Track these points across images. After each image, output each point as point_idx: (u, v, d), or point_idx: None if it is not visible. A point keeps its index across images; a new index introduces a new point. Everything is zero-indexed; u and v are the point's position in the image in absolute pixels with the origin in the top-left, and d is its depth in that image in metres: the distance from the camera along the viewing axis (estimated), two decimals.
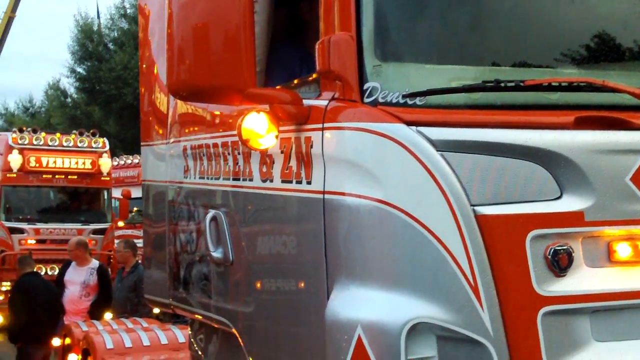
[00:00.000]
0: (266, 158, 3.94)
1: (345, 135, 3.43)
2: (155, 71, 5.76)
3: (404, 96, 3.38)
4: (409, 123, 3.30)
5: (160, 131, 5.66)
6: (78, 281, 11.87)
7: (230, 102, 3.70)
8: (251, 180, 4.11)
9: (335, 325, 3.31)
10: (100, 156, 20.47)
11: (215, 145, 4.59)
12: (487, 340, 3.17)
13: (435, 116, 3.34)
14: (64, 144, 20.16)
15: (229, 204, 4.43)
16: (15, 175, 19.73)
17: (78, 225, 20.13)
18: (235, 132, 3.72)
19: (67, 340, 9.57)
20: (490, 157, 3.29)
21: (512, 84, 3.38)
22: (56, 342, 10.45)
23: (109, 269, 18.31)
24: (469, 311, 3.18)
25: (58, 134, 20.76)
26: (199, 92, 3.66)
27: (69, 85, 45.68)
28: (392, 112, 3.34)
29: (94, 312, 11.49)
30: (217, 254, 4.42)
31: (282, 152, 3.79)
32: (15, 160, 19.62)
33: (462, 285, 3.19)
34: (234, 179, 4.33)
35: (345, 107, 3.47)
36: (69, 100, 46.51)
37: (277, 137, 3.61)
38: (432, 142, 3.26)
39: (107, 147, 20.82)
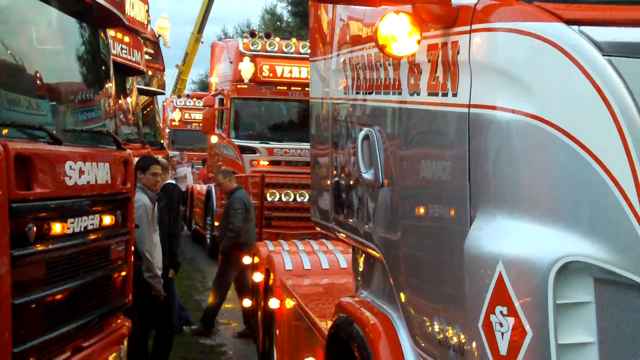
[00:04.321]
0: (414, 68, 3.50)
1: (494, 38, 2.93)
2: None
3: None
4: (569, 22, 2.74)
5: (323, 47, 5.34)
6: None
7: (370, 3, 3.29)
8: (400, 94, 3.69)
9: (474, 258, 2.88)
10: None
11: (369, 57, 4.20)
12: None
13: (603, 13, 2.75)
14: (301, 50, 17.14)
15: (379, 121, 4.05)
16: (246, 86, 17.22)
17: None
18: None
19: (256, 260, 9.68)
20: None
21: None
22: (247, 260, 10.65)
23: None
24: (636, 251, 2.63)
25: (294, 40, 17.85)
26: None
27: (281, 9, 46.69)
28: (550, 9, 2.79)
29: None
30: (368, 175, 4.08)
31: (429, 61, 3.33)
32: (246, 69, 16.97)
33: (628, 219, 2.64)
34: (385, 93, 3.93)
35: (496, 4, 2.96)
36: (283, 24, 47.49)
37: (419, 42, 3.16)
38: (597, 45, 2.69)
39: None
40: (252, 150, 17.03)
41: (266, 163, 16.86)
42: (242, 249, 10.84)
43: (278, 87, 17.39)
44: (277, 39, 17.77)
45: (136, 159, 9.21)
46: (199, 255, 19.27)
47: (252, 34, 17.93)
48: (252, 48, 17.28)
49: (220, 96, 18.28)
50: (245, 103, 17.71)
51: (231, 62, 17.76)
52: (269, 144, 17.17)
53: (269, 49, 17.35)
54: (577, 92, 2.71)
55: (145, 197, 7.93)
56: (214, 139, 18.51)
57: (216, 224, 17.09)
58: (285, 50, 17.36)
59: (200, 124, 30.21)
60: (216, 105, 18.17)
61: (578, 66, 2.69)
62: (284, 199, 16.38)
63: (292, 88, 17.33)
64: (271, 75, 17.27)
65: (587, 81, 2.68)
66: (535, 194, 2.81)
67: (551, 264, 2.64)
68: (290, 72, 17.29)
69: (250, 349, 10.29)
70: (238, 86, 17.35)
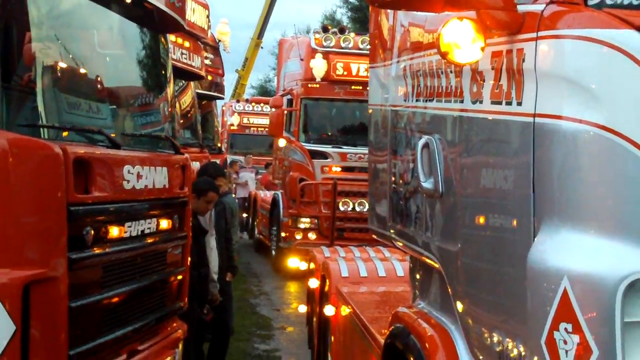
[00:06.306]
0: (477, 76, 3.42)
1: (561, 45, 2.83)
2: None
3: None
4: None
5: (383, 54, 5.27)
6: None
7: (432, 9, 3.21)
8: (461, 101, 3.60)
9: (538, 273, 2.78)
10: None
11: (430, 64, 4.11)
12: None
13: None
14: None
15: (440, 129, 3.96)
16: (318, 85, 15.83)
17: None
18: None
19: (312, 265, 9.65)
20: None
21: None
22: (303, 266, 10.62)
23: None
24: None
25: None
26: None
27: (341, 15, 46.77)
28: (621, 15, 2.69)
29: None
30: (427, 184, 3.99)
31: (492, 69, 3.24)
32: (318, 66, 15.59)
33: None
34: (446, 101, 3.85)
35: (564, 11, 2.86)
36: None
37: (483, 49, 3.07)
38: None
39: None
40: (324, 155, 15.75)
41: (338, 169, 15.63)
42: None
43: (352, 87, 15.83)
44: (352, 34, 16.31)
45: (196, 163, 9.28)
46: (255, 259, 19.26)
47: (325, 29, 16.47)
48: (324, 44, 15.92)
49: (288, 96, 17.05)
50: (316, 104, 16.27)
51: (302, 60, 16.44)
52: (341, 148, 15.79)
53: (343, 45, 15.95)
54: None
55: None
56: (281, 143, 17.16)
57: (283, 234, 16.15)
58: (361, 47, 15.66)
59: (259, 129, 30.48)
60: (284, 106, 16.94)
61: None
62: (357, 208, 15.19)
63: (368, 88, 15.50)
64: (345, 73, 15.90)
65: None
66: (602, 208, 2.70)
67: (619, 280, 2.53)
68: (367, 70, 15.36)
69: (304, 354, 10.25)
70: (309, 85, 16.02)
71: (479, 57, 3.09)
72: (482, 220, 3.41)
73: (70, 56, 5.29)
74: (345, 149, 15.69)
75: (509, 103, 3.10)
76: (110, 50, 6.22)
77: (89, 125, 5.23)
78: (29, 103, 4.76)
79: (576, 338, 2.60)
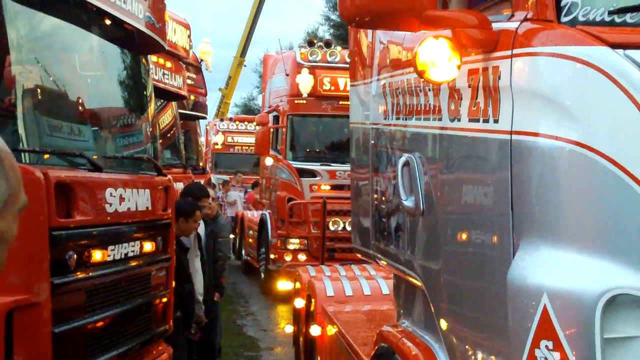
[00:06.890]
0: (454, 94, 3.43)
1: (536, 63, 2.84)
2: None
3: (610, 12, 2.74)
4: (614, 45, 2.65)
5: (363, 71, 5.29)
6: None
7: (408, 28, 3.23)
8: (440, 119, 3.62)
9: (518, 290, 2.78)
10: None
11: (409, 81, 4.14)
12: None
13: None
14: None
15: (419, 147, 3.98)
16: (304, 101, 15.27)
17: None
18: None
19: (298, 285, 9.62)
20: None
21: None
22: (288, 286, 10.57)
23: None
24: None
25: None
26: (374, 17, 3.23)
27: (323, 32, 46.91)
28: (594, 32, 2.71)
29: None
30: (408, 202, 4.00)
31: (469, 86, 3.26)
32: (305, 82, 15.05)
33: None
34: (425, 119, 3.86)
35: (538, 28, 2.88)
36: None
37: (459, 67, 3.09)
38: None
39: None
40: (312, 174, 15.14)
41: (328, 188, 15.03)
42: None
43: (340, 102, 14.89)
44: (339, 48, 15.76)
45: (179, 184, 9.24)
46: (243, 281, 19.14)
47: (311, 43, 15.91)
48: (310, 59, 15.37)
49: (275, 113, 16.40)
50: (303, 120, 15.68)
51: (287, 75, 15.87)
52: (330, 166, 15.17)
53: (329, 59, 15.42)
54: (623, 118, 2.61)
55: None
56: (268, 161, 16.63)
57: (272, 256, 15.54)
58: (348, 60, 14.97)
59: (243, 147, 30.41)
60: (270, 124, 16.27)
61: (624, 91, 2.60)
62: (348, 228, 14.15)
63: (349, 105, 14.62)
64: (332, 88, 15.28)
65: (633, 107, 2.58)
66: (580, 224, 2.71)
67: (598, 296, 2.54)
68: None
69: None
70: (295, 101, 15.41)
71: (455, 75, 3.11)
72: (462, 237, 3.42)
73: (51, 79, 5.28)
74: (334, 167, 15.15)
75: (486, 121, 3.11)
76: (91, 72, 6.22)
77: (70, 147, 5.21)
78: (10, 127, 4.74)
79: (557, 355, 2.60)
